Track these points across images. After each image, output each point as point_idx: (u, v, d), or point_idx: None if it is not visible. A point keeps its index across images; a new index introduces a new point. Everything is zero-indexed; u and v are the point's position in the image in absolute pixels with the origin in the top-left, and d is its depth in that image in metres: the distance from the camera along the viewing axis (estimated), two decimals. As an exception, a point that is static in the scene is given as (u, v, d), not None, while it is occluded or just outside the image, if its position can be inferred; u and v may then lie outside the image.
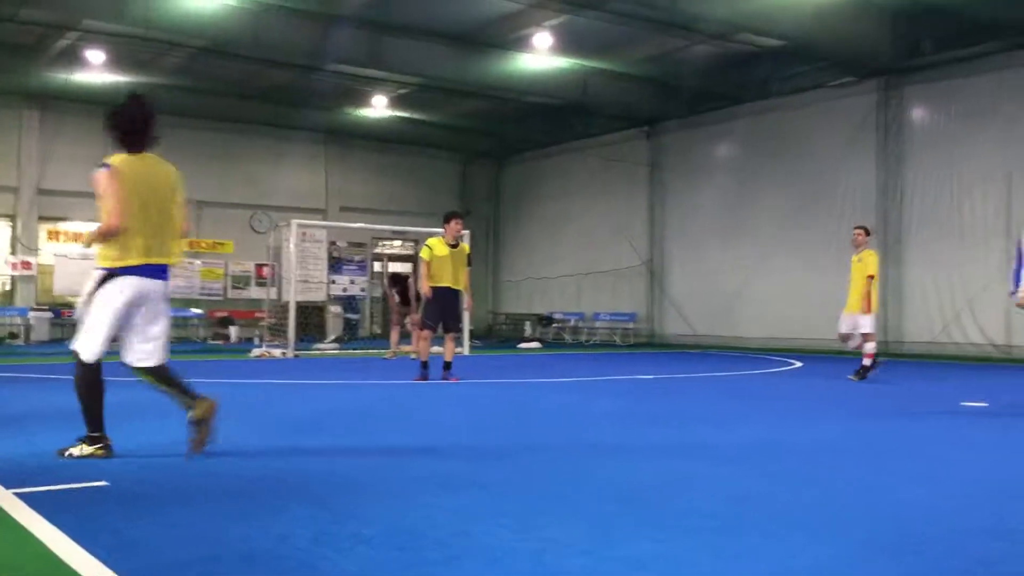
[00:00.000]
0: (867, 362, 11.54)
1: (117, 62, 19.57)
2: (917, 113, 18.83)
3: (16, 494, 4.09)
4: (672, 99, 22.38)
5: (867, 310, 11.46)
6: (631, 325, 24.48)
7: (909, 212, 18.76)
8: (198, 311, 24.23)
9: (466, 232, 18.94)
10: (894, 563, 3.15)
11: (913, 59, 18.30)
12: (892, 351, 18.01)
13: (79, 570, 2.98)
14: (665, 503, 4.09)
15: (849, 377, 11.52)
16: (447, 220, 10.88)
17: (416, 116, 24.21)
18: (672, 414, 7.94)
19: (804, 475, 4.89)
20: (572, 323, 25.76)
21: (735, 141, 22.45)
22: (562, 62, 19.70)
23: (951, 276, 17.85)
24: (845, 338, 11.75)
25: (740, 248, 21.75)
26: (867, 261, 11.54)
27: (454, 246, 10.83)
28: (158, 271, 5.28)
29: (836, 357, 16.71)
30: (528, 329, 26.15)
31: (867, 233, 11.89)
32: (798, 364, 15.11)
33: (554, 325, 26.02)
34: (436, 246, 10.77)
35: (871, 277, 11.48)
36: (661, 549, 3.28)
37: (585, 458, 5.41)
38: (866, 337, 11.55)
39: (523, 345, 22.33)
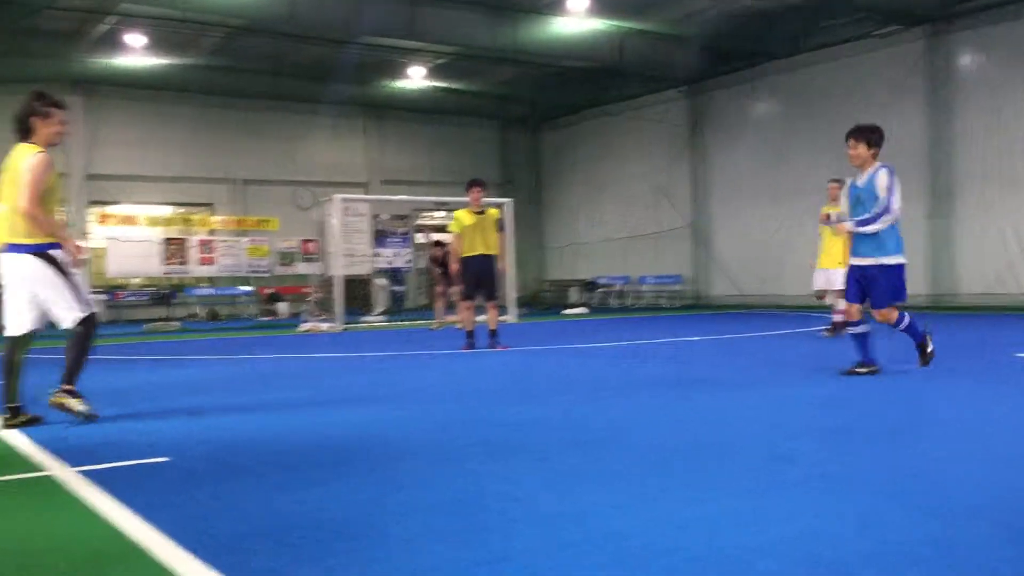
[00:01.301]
0: (839, 318, 11.18)
1: (157, 45, 19.80)
2: (965, 60, 18.36)
3: (80, 472, 4.24)
4: (711, 57, 22.07)
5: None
6: (677, 287, 24.37)
7: (960, 161, 18.35)
8: (247, 288, 24.60)
9: (508, 200, 19.03)
10: (935, 520, 3.15)
11: (959, 4, 17.82)
12: (945, 304, 17.75)
13: (144, 545, 3.09)
14: (707, 465, 4.12)
15: (823, 333, 11.56)
16: (467, 188, 10.98)
17: (453, 85, 24.18)
18: (716, 375, 7.93)
19: (849, 433, 4.88)
20: (617, 287, 25.71)
21: (777, 97, 22.10)
22: (598, 24, 19.51)
23: (1003, 225, 17.49)
24: (822, 295, 11.54)
25: (785, 205, 21.47)
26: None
27: (480, 213, 10.91)
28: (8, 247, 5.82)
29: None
30: (573, 295, 26.16)
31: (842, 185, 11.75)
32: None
33: (599, 290, 25.99)
34: (463, 217, 10.90)
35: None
36: (702, 510, 3.32)
37: (629, 421, 5.44)
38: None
39: (569, 311, 22.38)
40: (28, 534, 3.33)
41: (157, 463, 4.49)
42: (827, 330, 11.55)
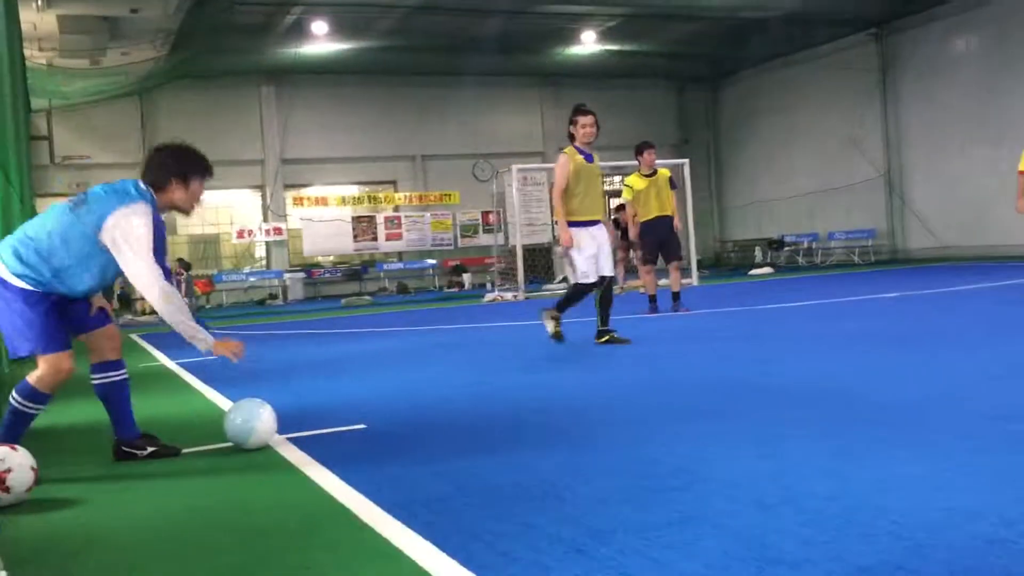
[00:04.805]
0: None
1: (338, 31, 20.58)
2: None
3: (289, 439, 4.52)
4: (902, -6, 20.69)
5: None
6: (870, 242, 23.19)
7: None
8: (432, 261, 25.36)
9: (684, 160, 18.64)
10: None
11: None
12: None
13: (349, 505, 3.25)
14: (914, 424, 3.90)
15: None
16: (639, 152, 10.85)
17: (626, 47, 23.83)
18: (921, 331, 7.49)
19: (1076, 389, 4.49)
20: (805, 245, 24.74)
21: (981, 31, 20.42)
22: (776, -30, 18.69)
23: None
24: None
25: (993, 148, 19.89)
26: None
27: (651, 175, 10.76)
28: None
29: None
30: (758, 255, 25.39)
31: None
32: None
33: (786, 248, 25.10)
34: (635, 182, 10.83)
35: None
36: (911, 470, 3.14)
37: (831, 378, 5.23)
38: None
39: (754, 271, 21.75)
40: (250, 495, 3.59)
41: (356, 430, 4.71)
42: None
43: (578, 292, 7.82)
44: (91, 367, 4.29)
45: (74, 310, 4.18)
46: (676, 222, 10.95)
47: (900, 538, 2.46)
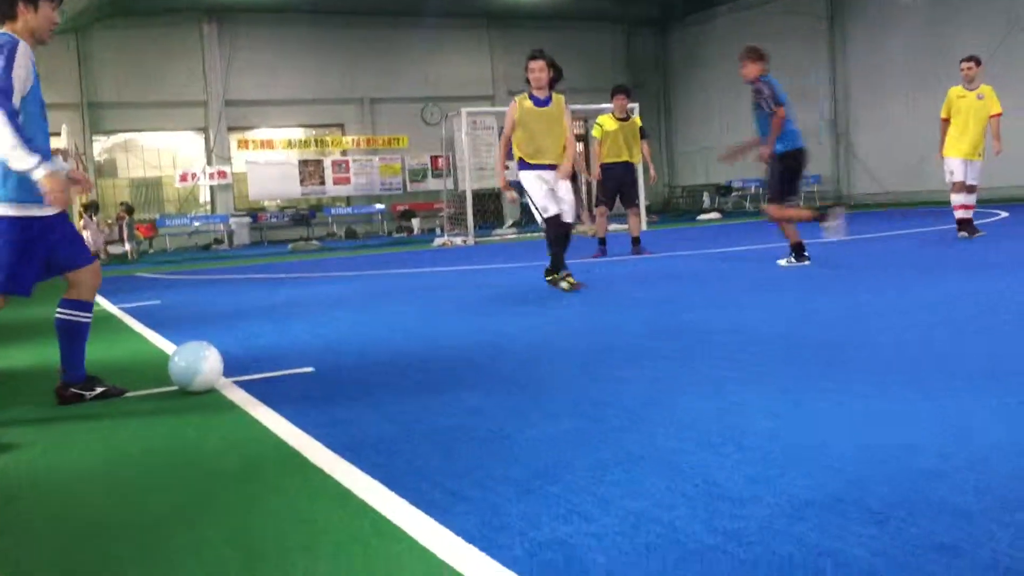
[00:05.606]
0: (961, 214, 10.15)
1: (282, -32, 20.02)
2: None
3: (235, 382, 4.47)
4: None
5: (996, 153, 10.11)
6: (816, 188, 23.47)
7: None
8: (380, 206, 25.11)
9: (634, 105, 18.58)
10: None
11: None
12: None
13: (296, 447, 3.24)
14: (851, 363, 3.99)
15: (961, 235, 10.13)
16: (612, 95, 10.86)
17: (576, -11, 23.60)
18: (860, 274, 7.64)
19: (1000, 330, 4.62)
20: (752, 190, 24.97)
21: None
22: (727, -87, 18.55)
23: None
24: (964, 187, 10.19)
25: (934, 96, 20.03)
26: (994, 98, 10.06)
27: (624, 119, 10.78)
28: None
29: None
30: (707, 200, 25.58)
31: (979, 64, 10.22)
32: (1003, 215, 14.12)
33: (733, 194, 25.31)
34: (606, 122, 10.82)
35: (999, 115, 10.11)
36: (847, 409, 3.21)
37: (767, 323, 5.31)
38: (974, 189, 10.20)
39: (703, 217, 21.92)
40: (197, 437, 3.57)
41: (304, 373, 4.68)
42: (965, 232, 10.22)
43: (552, 232, 7.61)
44: (62, 301, 4.24)
45: (64, 246, 4.12)
46: (652, 170, 11.23)
47: (841, 472, 2.52)
